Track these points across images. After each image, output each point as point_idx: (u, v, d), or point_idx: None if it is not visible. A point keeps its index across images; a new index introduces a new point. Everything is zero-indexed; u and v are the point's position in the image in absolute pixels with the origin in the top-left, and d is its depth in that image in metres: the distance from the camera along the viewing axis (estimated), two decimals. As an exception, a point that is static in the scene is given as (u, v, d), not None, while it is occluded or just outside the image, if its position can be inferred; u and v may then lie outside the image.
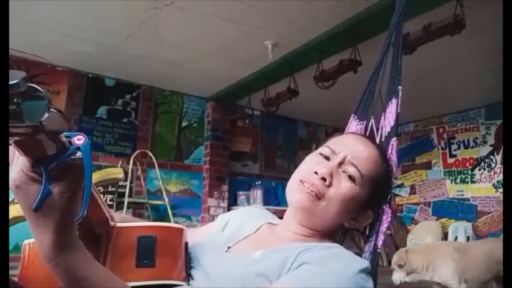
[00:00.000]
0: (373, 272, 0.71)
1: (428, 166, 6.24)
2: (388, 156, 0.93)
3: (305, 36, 3.68)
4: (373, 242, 0.87)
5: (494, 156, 5.50)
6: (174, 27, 3.60)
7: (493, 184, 5.47)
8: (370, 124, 1.08)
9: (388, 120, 1.04)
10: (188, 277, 0.71)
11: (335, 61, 3.82)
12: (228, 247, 0.79)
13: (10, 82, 0.33)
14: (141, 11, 3.31)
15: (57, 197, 0.44)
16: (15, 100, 0.34)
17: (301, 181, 0.77)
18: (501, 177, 5.33)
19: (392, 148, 0.97)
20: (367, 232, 0.90)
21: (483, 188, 5.58)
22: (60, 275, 0.49)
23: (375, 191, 0.80)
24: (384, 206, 0.88)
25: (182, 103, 5.44)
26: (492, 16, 2.99)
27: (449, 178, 5.99)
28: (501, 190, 5.31)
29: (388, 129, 1.02)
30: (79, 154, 0.44)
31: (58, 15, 3.44)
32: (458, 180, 5.89)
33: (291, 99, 4.56)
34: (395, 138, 0.99)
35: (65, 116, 0.38)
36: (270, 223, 0.87)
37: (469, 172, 5.77)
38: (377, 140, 1.03)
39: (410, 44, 3.14)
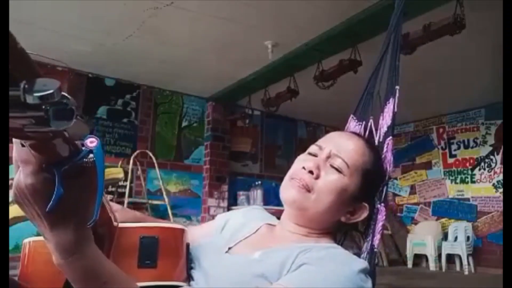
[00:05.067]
0: (371, 272, 0.71)
1: (428, 166, 6.24)
2: (383, 155, 0.95)
3: (305, 36, 3.68)
4: (370, 242, 0.87)
5: (494, 156, 5.51)
6: (174, 27, 3.60)
7: (493, 184, 5.47)
8: (369, 124, 1.08)
9: (386, 120, 1.05)
10: (188, 278, 0.71)
11: (335, 61, 3.83)
12: (229, 248, 0.79)
13: (45, 92, 0.32)
14: (141, 11, 3.31)
15: (74, 197, 0.46)
16: (43, 107, 0.34)
17: (291, 178, 0.79)
18: (501, 177, 5.33)
19: (387, 147, 0.98)
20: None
21: (483, 188, 5.58)
22: (79, 268, 0.49)
23: (366, 181, 0.80)
24: (379, 205, 0.89)
25: (182, 103, 5.44)
26: (492, 16, 2.99)
27: (449, 178, 5.99)
28: (501, 190, 5.31)
29: (385, 129, 1.03)
30: (91, 156, 0.46)
31: (58, 15, 3.44)
32: (458, 180, 5.89)
33: (291, 99, 4.56)
34: (390, 137, 1.00)
35: (87, 122, 0.39)
36: (269, 224, 0.87)
37: (469, 172, 5.77)
38: (376, 140, 1.04)
39: (410, 44, 3.14)
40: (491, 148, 5.55)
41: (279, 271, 0.66)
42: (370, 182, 0.82)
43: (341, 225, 0.83)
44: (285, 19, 3.40)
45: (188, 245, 0.72)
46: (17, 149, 0.44)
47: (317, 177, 0.77)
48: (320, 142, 0.84)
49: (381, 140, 1.03)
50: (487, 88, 4.70)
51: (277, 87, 4.62)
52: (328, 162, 0.79)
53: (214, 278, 0.70)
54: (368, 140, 0.93)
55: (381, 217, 0.88)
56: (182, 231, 0.71)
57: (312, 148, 0.83)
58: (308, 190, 0.76)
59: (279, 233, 0.83)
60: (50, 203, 0.43)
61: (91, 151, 0.46)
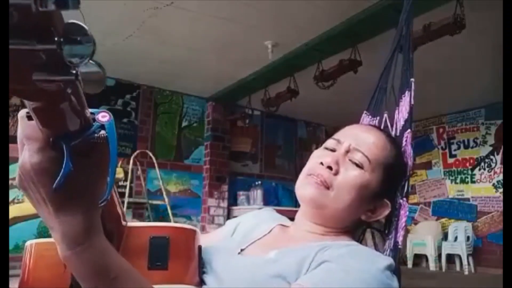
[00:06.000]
0: (396, 269, 0.67)
1: (428, 166, 6.24)
2: (403, 149, 0.91)
3: (305, 36, 3.68)
4: (393, 239, 0.84)
5: (494, 156, 5.51)
6: (174, 27, 3.60)
7: (493, 184, 5.47)
8: (384, 119, 1.06)
9: (402, 113, 1.02)
10: (200, 282, 0.68)
11: (335, 61, 3.83)
12: (241, 250, 0.76)
13: None
14: (141, 11, 3.31)
15: (83, 176, 0.41)
16: (56, 38, 0.28)
17: (308, 174, 0.75)
18: (501, 177, 5.33)
19: (406, 140, 0.95)
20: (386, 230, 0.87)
21: (483, 188, 5.58)
22: (88, 261, 0.45)
23: (388, 177, 0.76)
24: (401, 200, 0.85)
25: (182, 103, 5.44)
26: (492, 16, 2.99)
27: (449, 178, 5.99)
28: (501, 190, 5.31)
29: (402, 122, 1.01)
30: (103, 132, 0.41)
31: (58, 15, 3.44)
32: (458, 180, 5.89)
33: (291, 99, 4.56)
34: (409, 130, 0.97)
35: (105, 75, 0.34)
36: (282, 225, 0.84)
37: (469, 172, 5.77)
38: (392, 135, 1.00)
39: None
40: (491, 148, 5.55)
41: (297, 271, 0.63)
42: (392, 177, 0.78)
43: (360, 223, 0.79)
44: (285, 19, 3.40)
45: (200, 248, 0.69)
46: (22, 126, 0.40)
47: (336, 173, 0.73)
48: (338, 135, 0.79)
49: (398, 134, 1.00)
50: (487, 88, 4.70)
51: (277, 87, 4.62)
52: (347, 157, 0.74)
53: (227, 280, 0.66)
54: (389, 134, 0.89)
55: (404, 213, 0.84)
56: (194, 232, 0.68)
57: (329, 143, 0.79)
58: (327, 186, 0.72)
59: (294, 233, 0.79)
60: (58, 179, 0.38)
61: (103, 127, 0.41)
